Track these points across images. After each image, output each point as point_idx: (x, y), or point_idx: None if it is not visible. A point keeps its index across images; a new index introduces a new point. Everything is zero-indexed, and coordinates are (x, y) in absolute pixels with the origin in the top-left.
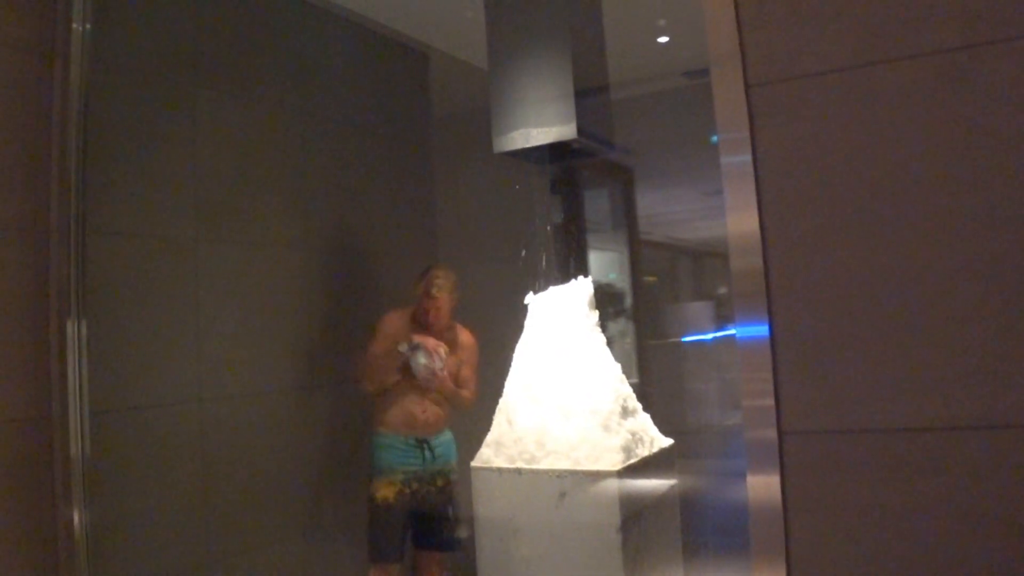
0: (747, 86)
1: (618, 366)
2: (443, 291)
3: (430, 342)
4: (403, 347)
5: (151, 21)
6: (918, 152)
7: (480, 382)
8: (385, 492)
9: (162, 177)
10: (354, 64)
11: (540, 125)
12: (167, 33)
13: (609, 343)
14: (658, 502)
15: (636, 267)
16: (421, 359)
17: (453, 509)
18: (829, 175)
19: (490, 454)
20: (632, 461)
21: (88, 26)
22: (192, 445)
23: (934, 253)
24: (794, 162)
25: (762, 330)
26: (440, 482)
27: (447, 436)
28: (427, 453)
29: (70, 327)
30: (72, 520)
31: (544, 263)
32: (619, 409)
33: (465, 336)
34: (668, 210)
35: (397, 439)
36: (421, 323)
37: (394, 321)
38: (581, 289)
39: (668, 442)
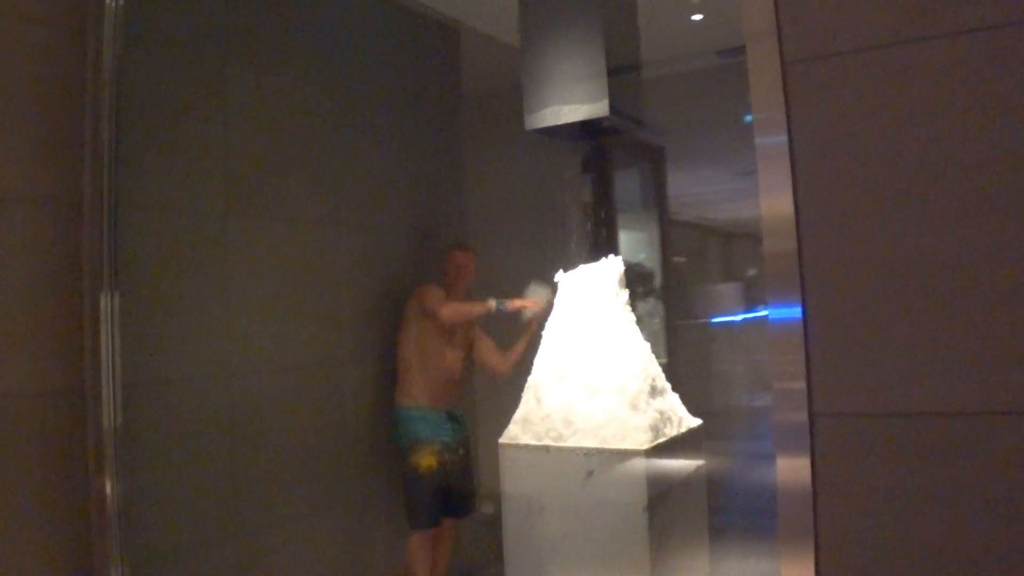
0: (783, 63)
1: (647, 345)
2: (471, 249)
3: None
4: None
5: None
6: (956, 132)
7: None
8: (428, 461)
9: (193, 152)
10: (385, 40)
11: (572, 103)
12: (198, 8)
13: (638, 323)
14: (685, 482)
15: (666, 247)
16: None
17: (474, 477)
18: (865, 155)
19: (518, 431)
20: (660, 440)
21: (120, 1)
22: (222, 418)
23: (971, 235)
24: (830, 142)
25: (795, 312)
26: (462, 451)
27: (461, 408)
28: (455, 424)
29: (103, 300)
30: (104, 491)
31: (574, 241)
32: (648, 388)
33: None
34: (699, 190)
35: (432, 412)
36: (451, 287)
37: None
38: (611, 268)
39: (696, 422)
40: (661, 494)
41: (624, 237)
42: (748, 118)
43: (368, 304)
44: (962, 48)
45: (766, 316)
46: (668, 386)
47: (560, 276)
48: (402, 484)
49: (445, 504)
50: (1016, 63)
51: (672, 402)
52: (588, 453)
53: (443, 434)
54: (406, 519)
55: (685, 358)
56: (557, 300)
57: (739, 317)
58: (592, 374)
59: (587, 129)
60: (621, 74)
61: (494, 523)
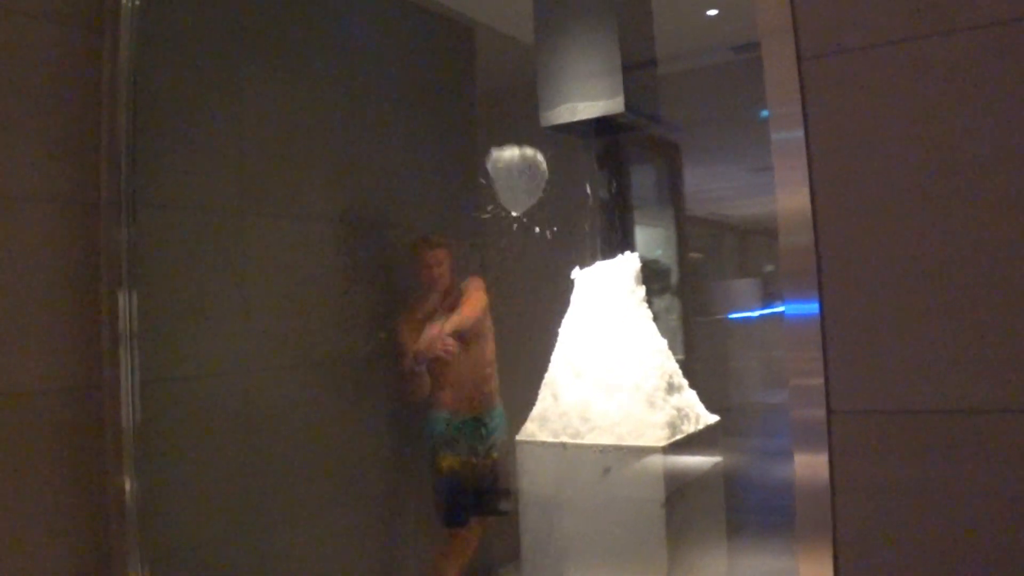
0: (799, 59)
1: (664, 342)
2: (442, 245)
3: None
4: (417, 368)
5: None
6: (971, 127)
7: (497, 327)
8: (449, 464)
9: (209, 150)
10: (399, 38)
11: (587, 99)
12: (213, 7)
13: (655, 319)
14: (703, 479)
15: (682, 243)
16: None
17: (501, 480)
18: (882, 151)
19: (535, 428)
20: (677, 437)
21: (136, 1)
22: (238, 415)
23: (987, 232)
24: (847, 137)
25: (812, 308)
26: (494, 455)
27: (498, 411)
28: (483, 429)
29: (120, 297)
30: (122, 487)
31: (590, 238)
32: (665, 385)
33: (470, 283)
34: (714, 187)
35: (455, 417)
36: (428, 289)
37: (410, 317)
38: (627, 264)
39: (714, 419)
40: (678, 491)
41: (640, 233)
42: (764, 114)
43: (382, 301)
44: (979, 43)
45: (783, 312)
46: (685, 383)
47: (576, 272)
48: (435, 484)
49: (473, 504)
50: None
51: (689, 399)
52: (605, 450)
53: (466, 439)
54: (441, 518)
55: (702, 354)
56: (574, 297)
57: (756, 313)
58: (609, 371)
59: (602, 126)
60: (636, 70)
61: (512, 520)
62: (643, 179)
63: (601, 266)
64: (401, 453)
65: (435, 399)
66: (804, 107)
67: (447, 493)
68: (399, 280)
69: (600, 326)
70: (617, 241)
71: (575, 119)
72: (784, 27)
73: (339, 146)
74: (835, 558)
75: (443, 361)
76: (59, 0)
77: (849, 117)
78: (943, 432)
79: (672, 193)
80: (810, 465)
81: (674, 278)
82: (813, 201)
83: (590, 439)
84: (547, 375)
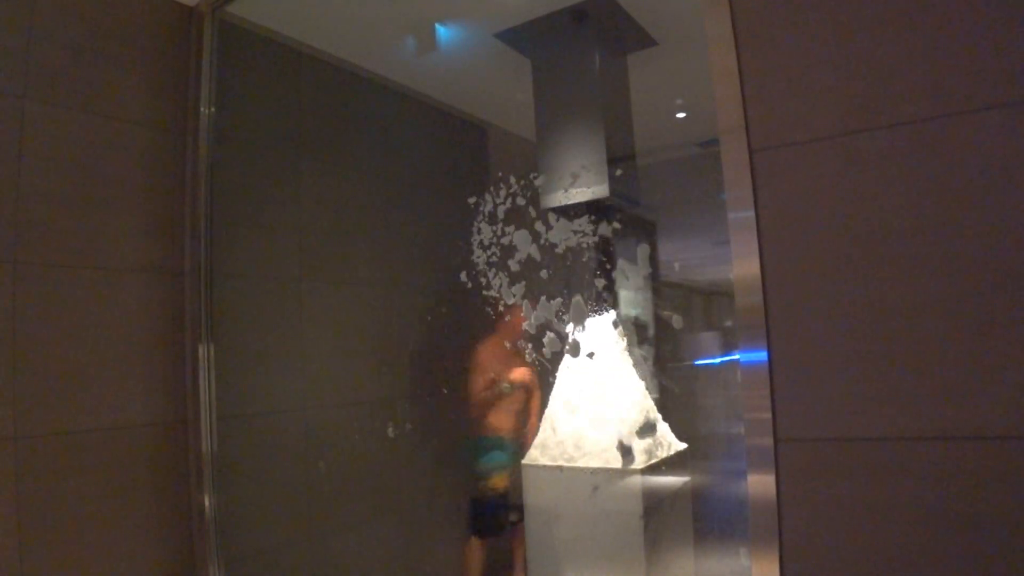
0: (750, 152)
1: (643, 383)
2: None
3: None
4: (506, 388)
5: (264, 105)
6: (894, 206)
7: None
8: (496, 482)
9: (272, 230)
10: (426, 136)
11: (579, 186)
12: (276, 115)
13: (635, 365)
14: (674, 496)
15: (657, 303)
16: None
17: (511, 496)
18: (819, 227)
19: (537, 454)
20: (653, 461)
21: (213, 109)
22: (298, 443)
23: (906, 291)
24: (790, 216)
25: (761, 355)
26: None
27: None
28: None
29: (201, 349)
30: (203, 503)
31: (583, 300)
32: (643, 419)
33: None
34: (683, 257)
35: (502, 442)
36: (517, 338)
37: (485, 352)
38: (612, 320)
39: (683, 446)
40: (654, 505)
41: (622, 295)
42: (722, 196)
43: (415, 349)
44: (899, 137)
45: (739, 359)
46: (659, 416)
47: (570, 328)
48: (476, 498)
49: (511, 515)
50: (944, 149)
51: (663, 429)
52: (594, 472)
53: (510, 460)
54: (473, 528)
55: (673, 393)
56: (568, 348)
57: (717, 360)
58: (598, 407)
59: (591, 208)
60: (619, 162)
61: (519, 530)
62: (625, 251)
63: (591, 322)
64: (428, 474)
65: (489, 426)
66: (755, 191)
67: (489, 507)
68: (426, 333)
69: (591, 371)
70: (603, 301)
71: (569, 202)
72: (738, 126)
73: (379, 224)
74: (781, 561)
75: (504, 395)
76: (150, 109)
77: (791, 199)
78: (869, 456)
79: (649, 262)
80: (760, 484)
81: (650, 331)
82: (762, 268)
83: (582, 463)
84: (547, 411)
